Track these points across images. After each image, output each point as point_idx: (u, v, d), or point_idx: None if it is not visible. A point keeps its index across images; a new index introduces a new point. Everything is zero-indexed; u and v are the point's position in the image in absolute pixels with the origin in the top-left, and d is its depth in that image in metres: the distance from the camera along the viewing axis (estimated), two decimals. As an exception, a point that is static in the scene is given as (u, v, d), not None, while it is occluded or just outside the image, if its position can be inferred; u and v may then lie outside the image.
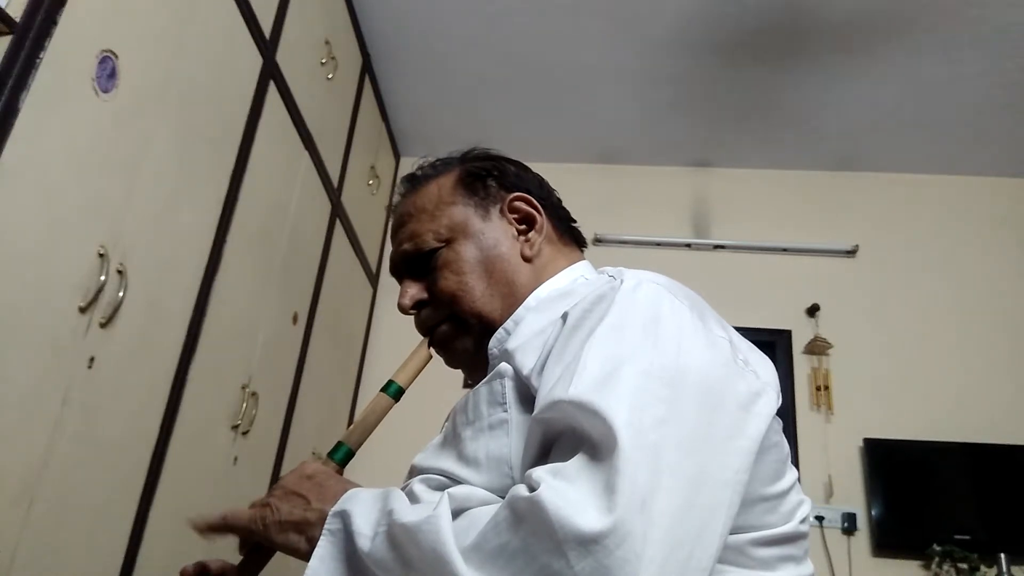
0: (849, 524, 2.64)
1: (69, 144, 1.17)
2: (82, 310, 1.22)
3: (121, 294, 1.30)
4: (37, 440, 1.14)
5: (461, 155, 0.89)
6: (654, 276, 0.68)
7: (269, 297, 2.00)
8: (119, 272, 1.31)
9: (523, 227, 0.83)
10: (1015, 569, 2.46)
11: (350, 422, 2.86)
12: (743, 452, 0.57)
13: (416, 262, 0.83)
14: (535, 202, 0.84)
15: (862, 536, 2.66)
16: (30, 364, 1.11)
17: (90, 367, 1.25)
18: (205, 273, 1.63)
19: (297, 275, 2.22)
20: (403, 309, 0.83)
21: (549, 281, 0.80)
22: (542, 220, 0.83)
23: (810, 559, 0.68)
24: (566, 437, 0.56)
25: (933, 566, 2.51)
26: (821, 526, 2.65)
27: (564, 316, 0.66)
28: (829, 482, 2.71)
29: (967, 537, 2.52)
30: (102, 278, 1.25)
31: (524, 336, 0.68)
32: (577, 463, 0.51)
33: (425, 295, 0.82)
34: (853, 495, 2.71)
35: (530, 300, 0.78)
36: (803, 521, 0.66)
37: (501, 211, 0.83)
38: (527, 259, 0.81)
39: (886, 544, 2.62)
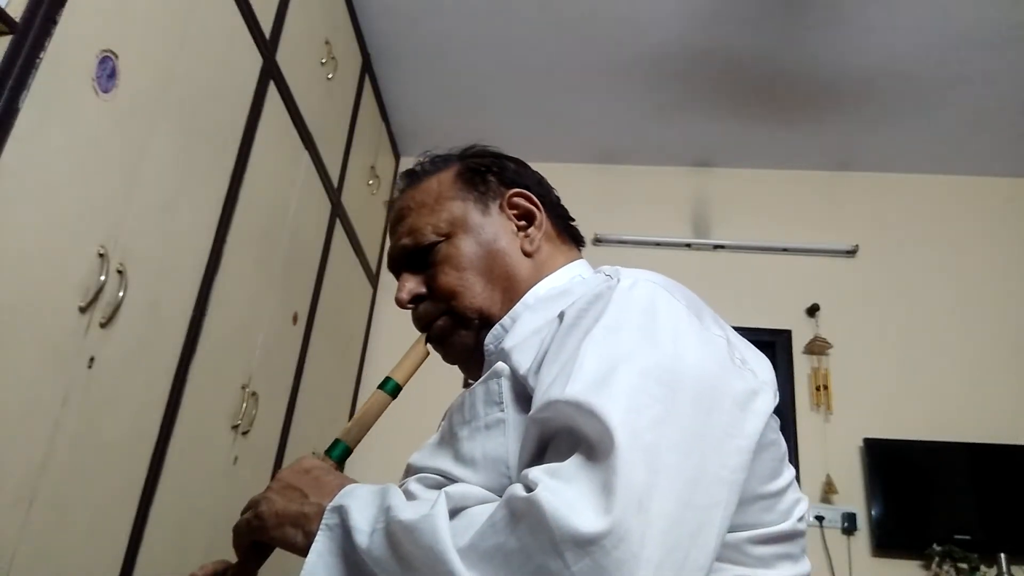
0: (849, 524, 2.64)
1: (69, 144, 1.17)
2: (82, 310, 1.22)
3: (121, 294, 1.30)
4: (37, 440, 1.14)
5: (460, 151, 0.89)
6: (650, 275, 0.68)
7: (269, 297, 2.00)
8: (119, 272, 1.31)
9: (522, 223, 0.83)
10: (1015, 569, 2.46)
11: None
12: (740, 451, 0.57)
13: (415, 256, 0.82)
14: (534, 198, 0.84)
15: (862, 536, 2.66)
16: (30, 364, 1.11)
17: (90, 367, 1.25)
18: (205, 273, 1.63)
19: (297, 275, 2.22)
20: (401, 303, 0.83)
21: (547, 279, 0.80)
22: (541, 216, 0.84)
23: (809, 559, 0.68)
24: (563, 437, 0.56)
25: (933, 566, 2.51)
26: (821, 526, 2.65)
27: (561, 315, 0.66)
28: (829, 482, 2.71)
29: (967, 537, 2.52)
30: (102, 278, 1.25)
31: (521, 335, 0.68)
32: (574, 463, 0.51)
33: (423, 289, 0.82)
34: (853, 495, 2.71)
35: (528, 298, 0.78)
36: (800, 519, 0.66)
37: (500, 206, 0.83)
38: (527, 254, 0.81)
39: (886, 544, 2.62)
